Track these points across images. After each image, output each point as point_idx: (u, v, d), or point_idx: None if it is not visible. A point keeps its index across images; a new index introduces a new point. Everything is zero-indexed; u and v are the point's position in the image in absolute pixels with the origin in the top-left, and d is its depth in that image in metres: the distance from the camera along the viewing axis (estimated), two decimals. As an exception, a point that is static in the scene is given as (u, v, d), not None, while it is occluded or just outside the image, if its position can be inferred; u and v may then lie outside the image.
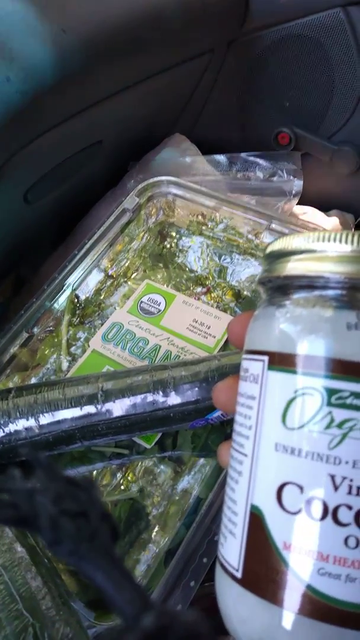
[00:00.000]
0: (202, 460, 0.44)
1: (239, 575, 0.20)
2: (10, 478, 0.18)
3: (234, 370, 0.41)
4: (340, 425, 0.19)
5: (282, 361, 0.20)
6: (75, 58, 0.46)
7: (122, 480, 0.44)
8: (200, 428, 0.44)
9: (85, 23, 0.46)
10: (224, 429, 0.45)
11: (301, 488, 0.19)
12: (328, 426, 0.19)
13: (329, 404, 0.19)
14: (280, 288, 0.22)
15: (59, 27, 0.44)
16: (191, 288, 0.55)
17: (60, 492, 0.18)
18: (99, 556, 0.17)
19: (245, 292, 0.54)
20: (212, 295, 0.54)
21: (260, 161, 0.68)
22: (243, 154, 0.68)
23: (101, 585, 0.17)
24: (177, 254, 0.58)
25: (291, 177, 0.66)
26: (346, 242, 0.20)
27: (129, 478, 0.44)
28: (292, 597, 0.19)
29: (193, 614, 0.16)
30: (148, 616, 0.15)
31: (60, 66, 0.45)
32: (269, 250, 0.24)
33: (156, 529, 0.42)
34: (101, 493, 0.43)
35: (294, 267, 0.21)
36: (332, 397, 0.19)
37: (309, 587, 0.18)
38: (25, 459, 0.41)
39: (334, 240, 0.20)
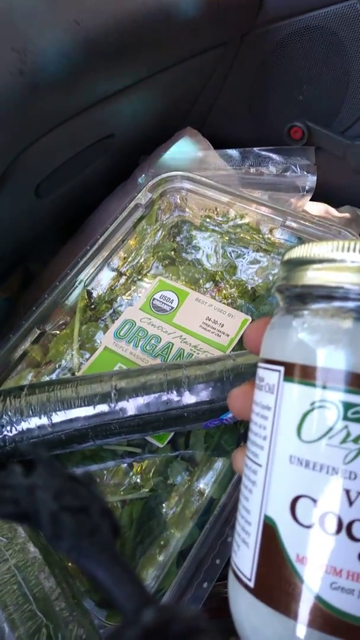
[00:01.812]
0: (215, 460, 0.44)
1: (251, 584, 0.20)
2: (11, 474, 0.18)
3: (250, 370, 0.40)
4: (356, 440, 0.18)
5: (298, 373, 0.20)
6: (88, 51, 0.45)
7: (134, 480, 0.44)
8: (214, 428, 0.43)
9: (98, 16, 0.46)
10: (238, 429, 0.45)
11: (315, 501, 0.19)
12: (344, 440, 0.19)
13: (345, 417, 0.19)
14: (298, 297, 0.22)
15: (73, 20, 0.44)
16: (203, 285, 0.55)
17: (60, 488, 0.18)
18: (99, 552, 0.17)
19: (258, 290, 0.54)
20: (224, 292, 0.54)
21: (274, 156, 0.67)
22: (256, 149, 0.68)
23: (101, 581, 0.17)
24: (189, 250, 0.58)
25: (304, 172, 0.65)
26: None
27: (142, 477, 0.44)
28: (304, 609, 0.19)
29: (193, 609, 0.16)
30: (148, 611, 0.15)
31: (73, 59, 0.44)
32: (287, 257, 0.23)
33: (169, 529, 0.42)
34: (112, 491, 0.43)
35: (312, 276, 0.21)
36: (349, 411, 0.19)
37: (321, 600, 0.18)
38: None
39: (354, 250, 0.20)
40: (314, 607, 0.18)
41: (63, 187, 0.59)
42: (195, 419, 0.41)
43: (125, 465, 0.45)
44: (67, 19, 0.43)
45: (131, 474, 0.44)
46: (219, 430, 0.45)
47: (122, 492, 0.43)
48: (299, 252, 0.22)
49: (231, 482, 0.41)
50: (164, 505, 0.43)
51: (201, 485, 0.43)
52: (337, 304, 0.20)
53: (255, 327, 0.25)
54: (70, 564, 0.39)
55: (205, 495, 0.43)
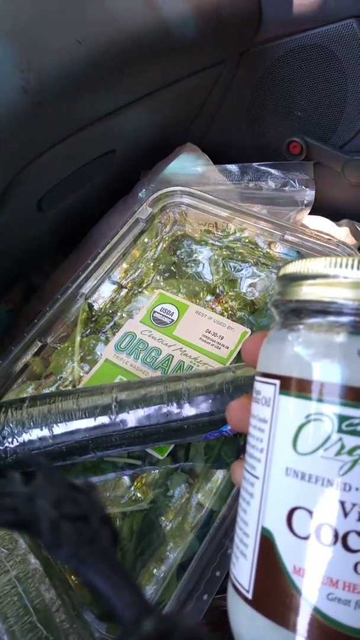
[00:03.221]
0: (215, 472, 0.44)
1: (249, 596, 0.21)
2: (11, 482, 0.18)
3: (249, 382, 0.41)
4: (350, 452, 0.19)
5: (293, 386, 0.20)
6: (90, 69, 0.46)
7: (134, 492, 0.44)
8: (214, 439, 0.44)
9: (100, 34, 0.47)
10: (237, 441, 0.45)
11: (311, 513, 0.19)
12: (338, 453, 0.19)
13: (340, 430, 0.19)
14: (293, 311, 0.22)
15: (75, 39, 0.45)
16: (203, 298, 0.55)
17: (60, 496, 0.18)
18: (98, 560, 0.17)
19: (257, 303, 0.54)
20: (224, 305, 0.54)
21: (272, 171, 0.68)
22: (255, 164, 0.68)
23: (101, 590, 0.17)
24: (190, 264, 0.58)
25: (303, 187, 0.66)
26: None
27: (142, 490, 0.44)
28: (302, 621, 0.19)
29: (193, 619, 0.16)
30: (148, 621, 0.15)
31: (76, 78, 0.45)
32: (282, 272, 0.24)
33: (169, 541, 0.42)
34: (112, 504, 0.44)
35: (307, 291, 0.22)
36: (343, 424, 0.19)
37: (318, 611, 0.19)
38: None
39: (348, 266, 0.20)
40: (311, 618, 0.19)
41: (65, 201, 0.60)
42: (195, 430, 0.41)
43: (125, 477, 0.45)
44: (69, 38, 0.44)
45: (131, 486, 0.45)
46: (219, 442, 0.45)
47: (122, 504, 0.44)
48: (293, 267, 0.23)
49: (231, 494, 0.41)
50: (163, 517, 0.43)
51: (201, 497, 0.43)
52: (331, 318, 0.21)
53: (253, 340, 0.26)
54: (71, 577, 0.39)
55: (205, 507, 0.43)
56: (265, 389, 0.22)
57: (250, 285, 0.56)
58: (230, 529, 0.39)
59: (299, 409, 0.20)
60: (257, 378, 0.23)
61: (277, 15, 0.61)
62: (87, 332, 0.54)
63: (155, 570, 0.41)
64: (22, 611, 0.33)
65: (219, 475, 0.44)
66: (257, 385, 0.23)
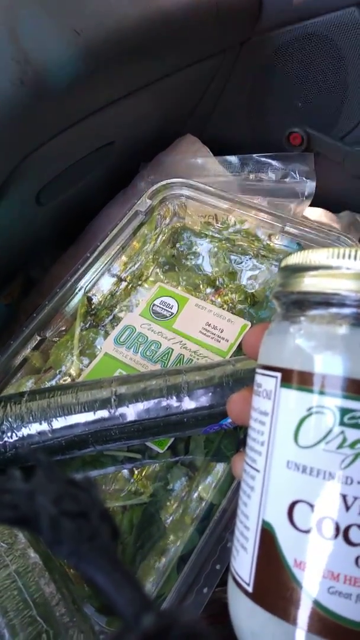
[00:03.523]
0: (215, 466, 0.44)
1: (250, 589, 0.21)
2: (11, 478, 0.18)
3: (249, 376, 0.41)
4: (352, 445, 0.19)
5: (295, 379, 0.20)
6: (88, 60, 0.46)
7: (134, 485, 0.44)
8: (214, 433, 0.44)
9: (98, 25, 0.46)
10: (237, 434, 0.45)
11: (312, 506, 0.19)
12: (340, 446, 0.19)
13: (342, 423, 0.19)
14: (295, 303, 0.22)
15: (73, 30, 0.44)
16: (203, 290, 0.55)
17: (60, 493, 0.18)
18: (99, 556, 0.17)
19: (258, 295, 0.54)
20: (224, 298, 0.54)
21: (273, 162, 0.67)
22: (255, 155, 0.68)
23: (101, 586, 0.17)
24: (189, 256, 0.58)
25: (304, 179, 0.66)
26: None
27: (142, 483, 0.44)
28: (302, 614, 0.19)
29: (193, 614, 0.16)
30: (148, 616, 0.15)
31: (74, 69, 0.45)
32: (283, 264, 0.23)
33: (169, 535, 0.42)
34: (112, 497, 0.43)
35: (309, 283, 0.21)
36: (345, 417, 0.19)
37: (319, 604, 0.19)
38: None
39: (351, 257, 0.20)
40: (312, 611, 0.19)
41: (64, 194, 0.59)
42: (195, 424, 0.41)
43: (125, 471, 0.45)
44: (67, 29, 0.44)
45: (131, 479, 0.45)
46: (219, 436, 0.45)
47: (122, 498, 0.43)
48: (295, 259, 0.22)
49: (231, 488, 0.41)
50: (164, 510, 0.43)
51: (201, 490, 0.43)
52: (333, 310, 0.20)
53: (254, 332, 0.26)
54: (70, 570, 0.39)
55: (205, 500, 0.43)
56: (267, 382, 0.22)
57: (251, 277, 0.55)
58: (230, 522, 0.39)
59: (301, 402, 0.20)
60: (258, 370, 0.23)
61: (277, 4, 0.61)
62: (87, 325, 0.54)
63: (155, 564, 0.41)
64: (22, 605, 0.33)
65: (219, 468, 0.44)
66: (258, 378, 0.23)
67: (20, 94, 0.42)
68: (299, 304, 0.22)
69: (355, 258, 0.20)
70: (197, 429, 0.42)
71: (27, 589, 0.33)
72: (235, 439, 0.45)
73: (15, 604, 0.33)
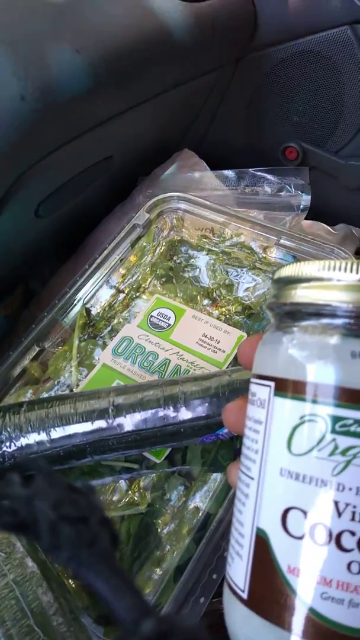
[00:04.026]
0: (212, 476, 0.44)
1: (244, 596, 0.21)
2: (10, 484, 0.18)
3: (245, 386, 0.41)
4: (344, 453, 0.19)
5: (287, 388, 0.21)
6: (88, 77, 0.46)
7: (131, 496, 0.44)
8: (210, 443, 0.44)
9: (98, 43, 0.47)
10: (234, 444, 0.45)
11: (305, 513, 0.19)
12: (332, 453, 0.19)
13: (333, 431, 0.19)
14: (288, 314, 0.23)
15: (73, 48, 0.45)
16: (200, 302, 0.56)
17: (59, 498, 0.18)
18: (98, 562, 0.17)
19: (254, 307, 0.54)
20: (221, 309, 0.55)
21: (269, 176, 0.68)
22: (251, 169, 0.69)
23: (101, 592, 0.17)
24: (186, 268, 0.59)
25: (299, 192, 0.67)
26: (353, 271, 0.21)
27: (139, 493, 0.44)
28: (296, 620, 0.19)
29: (192, 620, 0.16)
30: (148, 622, 0.15)
31: (73, 85, 0.46)
32: (276, 276, 0.24)
33: (165, 544, 0.42)
34: (109, 507, 0.44)
35: (302, 294, 0.22)
36: (336, 425, 0.19)
37: (312, 610, 0.19)
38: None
39: (342, 269, 0.21)
40: (305, 617, 0.19)
41: (63, 207, 0.60)
42: (192, 434, 0.41)
43: (122, 481, 0.45)
44: (67, 47, 0.44)
45: (128, 489, 0.45)
46: (216, 446, 0.45)
47: (119, 508, 0.44)
48: (288, 271, 0.23)
49: (227, 498, 0.41)
50: (160, 520, 0.43)
51: (198, 500, 0.43)
52: (325, 320, 0.21)
53: (248, 343, 0.26)
54: (68, 580, 0.39)
55: (201, 510, 0.43)
56: (261, 391, 0.22)
57: (247, 289, 0.56)
58: (226, 532, 0.39)
59: (294, 410, 0.20)
60: (253, 380, 0.23)
61: (272, 22, 0.62)
62: (85, 336, 0.54)
63: (152, 574, 0.41)
64: (20, 614, 0.33)
65: (216, 478, 0.44)
66: (253, 387, 0.23)
67: (20, 109, 0.43)
68: (292, 315, 0.22)
69: (346, 270, 0.21)
70: (194, 439, 0.42)
71: (24, 598, 0.33)
72: (232, 449, 0.45)
73: (12, 613, 0.33)
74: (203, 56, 0.60)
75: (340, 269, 0.21)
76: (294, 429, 0.20)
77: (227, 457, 0.45)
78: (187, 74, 0.61)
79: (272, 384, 0.21)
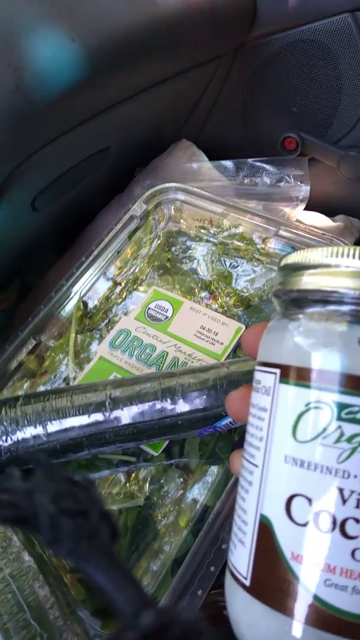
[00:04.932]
0: (210, 468, 0.44)
1: (247, 583, 0.21)
2: (9, 477, 0.18)
3: (243, 378, 0.41)
4: (349, 440, 0.19)
5: (293, 375, 0.20)
6: (84, 67, 0.46)
7: (129, 488, 0.44)
8: (208, 436, 0.44)
9: (93, 32, 0.46)
10: (232, 437, 0.45)
11: (310, 500, 0.19)
12: (337, 440, 0.19)
13: (339, 418, 0.19)
14: (294, 301, 0.22)
15: (69, 37, 0.44)
16: (198, 294, 0.55)
17: (59, 491, 0.17)
18: (98, 555, 0.17)
19: (252, 299, 0.54)
20: (219, 301, 0.54)
21: (267, 167, 0.68)
22: (250, 160, 0.68)
23: (100, 584, 0.17)
24: (184, 260, 0.58)
25: (298, 183, 0.66)
26: None
27: (136, 486, 0.44)
28: (299, 606, 0.19)
29: (192, 612, 0.16)
30: (147, 615, 0.15)
31: (69, 75, 0.45)
32: (283, 263, 0.24)
33: (163, 537, 0.42)
34: (107, 500, 0.43)
35: (308, 281, 0.22)
36: (342, 412, 0.19)
37: (316, 597, 0.19)
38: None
39: (349, 256, 0.20)
40: (308, 604, 0.19)
41: (59, 200, 0.60)
42: (190, 426, 0.41)
43: (120, 474, 0.45)
44: (62, 35, 0.44)
45: (126, 482, 0.44)
46: (214, 438, 0.45)
47: (117, 501, 0.43)
48: (295, 257, 0.23)
49: (225, 490, 0.41)
50: (158, 513, 0.43)
51: (195, 493, 0.43)
52: (331, 307, 0.21)
53: (253, 331, 0.26)
54: (65, 574, 0.39)
55: (199, 502, 0.43)
56: (266, 378, 0.22)
57: (245, 281, 0.56)
58: (224, 524, 0.39)
59: (299, 398, 0.20)
60: (258, 367, 0.23)
61: (271, 11, 0.61)
62: (82, 329, 0.53)
63: (149, 566, 0.40)
64: (16, 608, 0.32)
65: (214, 471, 0.44)
66: (257, 375, 0.23)
67: (15, 99, 0.42)
68: (298, 302, 0.22)
69: (353, 256, 0.20)
70: (192, 432, 0.42)
71: (21, 592, 0.33)
72: (229, 442, 0.45)
73: (9, 608, 0.32)
74: (201, 46, 0.60)
75: (347, 256, 0.21)
76: (300, 416, 0.20)
77: (225, 450, 0.45)
78: (185, 64, 0.60)
79: (278, 371, 0.21)
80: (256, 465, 0.21)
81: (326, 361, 0.20)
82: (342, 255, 0.21)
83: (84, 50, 0.45)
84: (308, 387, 0.20)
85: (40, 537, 0.17)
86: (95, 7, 0.47)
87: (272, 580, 0.20)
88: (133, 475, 0.45)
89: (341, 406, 0.19)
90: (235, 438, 0.45)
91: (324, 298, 0.21)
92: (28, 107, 0.43)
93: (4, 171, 0.46)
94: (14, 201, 0.52)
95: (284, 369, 0.21)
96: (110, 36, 0.48)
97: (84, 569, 0.17)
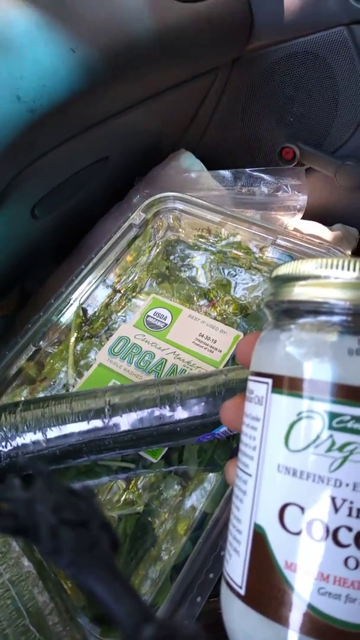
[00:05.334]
0: (208, 475, 0.44)
1: (242, 592, 0.21)
2: (10, 487, 0.18)
3: (241, 385, 0.41)
4: (341, 449, 0.19)
5: (285, 384, 0.21)
6: (84, 77, 0.46)
7: (128, 495, 0.44)
8: (207, 442, 0.44)
9: (93, 43, 0.47)
10: (230, 444, 0.45)
11: (302, 509, 0.19)
12: (329, 449, 0.19)
13: (330, 427, 0.19)
14: (285, 312, 0.23)
15: (69, 47, 0.45)
16: (197, 302, 0.56)
17: (60, 502, 0.18)
18: (99, 566, 0.17)
19: (250, 307, 0.55)
20: (217, 309, 0.55)
21: (265, 176, 0.68)
22: (248, 169, 0.69)
23: (101, 596, 0.17)
24: (183, 268, 0.59)
25: (295, 192, 0.67)
26: (350, 269, 0.21)
27: (135, 493, 0.44)
28: (294, 615, 0.19)
29: (193, 625, 0.16)
30: (148, 627, 0.15)
31: (69, 85, 0.46)
32: (274, 274, 0.24)
33: (162, 544, 0.42)
34: (106, 507, 0.44)
35: (299, 292, 0.22)
36: (334, 421, 0.19)
37: (310, 606, 0.19)
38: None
39: (339, 267, 0.21)
40: (303, 613, 0.19)
41: (59, 208, 0.60)
42: (188, 433, 0.41)
43: (119, 480, 0.45)
44: (62, 45, 0.44)
45: (125, 489, 0.45)
46: (212, 445, 0.45)
47: (116, 508, 0.44)
48: (286, 269, 0.23)
49: (224, 497, 0.41)
50: (157, 520, 0.43)
51: (194, 500, 0.43)
52: (322, 318, 0.21)
53: (246, 341, 0.26)
54: (64, 580, 0.39)
55: (198, 509, 0.43)
56: (258, 388, 0.22)
57: (244, 289, 0.56)
58: (223, 531, 0.39)
59: (291, 407, 0.20)
60: (251, 377, 0.24)
61: (268, 23, 0.62)
62: (81, 336, 0.54)
63: (148, 573, 0.41)
64: (15, 614, 0.33)
65: (212, 478, 0.44)
66: (250, 385, 0.23)
67: (16, 109, 0.43)
68: (289, 313, 0.22)
69: (343, 268, 0.21)
70: (190, 439, 0.42)
71: (20, 598, 0.33)
72: (228, 449, 0.45)
73: (8, 613, 0.33)
74: (199, 57, 0.60)
75: (337, 267, 0.21)
76: (292, 425, 0.20)
77: (223, 457, 0.45)
78: (183, 75, 0.61)
79: (270, 381, 0.21)
80: (250, 475, 0.22)
81: (317, 371, 0.20)
82: (333, 267, 0.21)
83: (84, 61, 0.46)
84: (300, 396, 0.20)
85: (39, 548, 0.17)
86: (95, 18, 0.48)
87: (267, 589, 0.20)
88: (132, 482, 0.45)
89: (332, 415, 0.19)
90: (234, 445, 0.45)
91: (314, 309, 0.21)
92: (29, 117, 0.44)
93: (4, 179, 0.47)
94: (14, 209, 0.52)
95: (276, 378, 0.21)
96: (110, 47, 0.48)
97: (84, 581, 0.17)
